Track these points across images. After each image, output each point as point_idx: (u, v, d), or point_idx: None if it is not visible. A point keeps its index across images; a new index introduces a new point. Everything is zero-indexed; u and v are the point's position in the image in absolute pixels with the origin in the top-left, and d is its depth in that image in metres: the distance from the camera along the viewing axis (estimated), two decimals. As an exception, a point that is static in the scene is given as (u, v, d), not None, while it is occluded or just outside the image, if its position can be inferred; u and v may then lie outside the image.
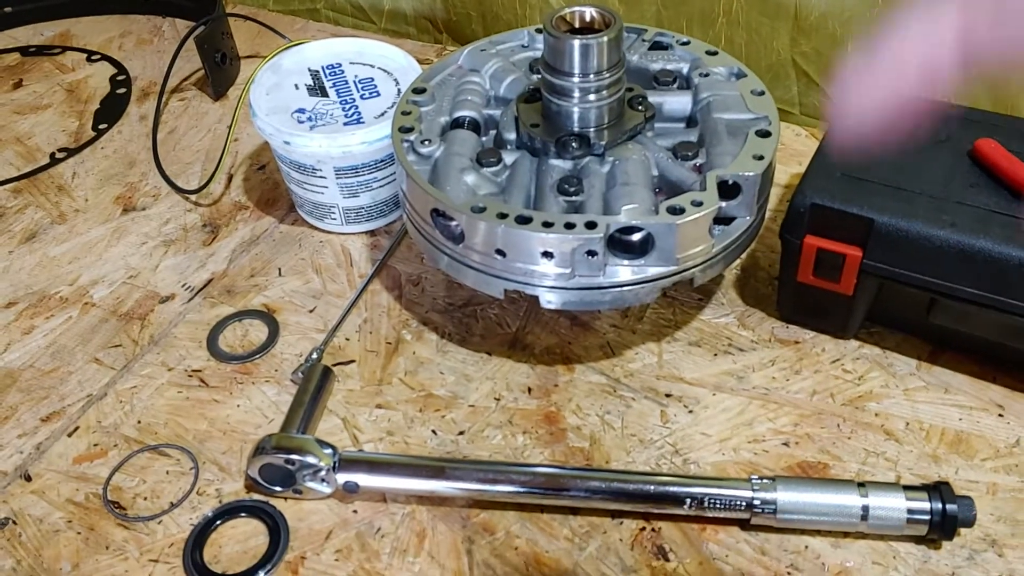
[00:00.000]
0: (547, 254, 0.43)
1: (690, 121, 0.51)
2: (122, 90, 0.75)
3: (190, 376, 0.51)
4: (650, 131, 0.50)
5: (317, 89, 0.59)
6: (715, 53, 0.53)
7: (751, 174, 0.44)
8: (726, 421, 0.47)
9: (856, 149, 0.21)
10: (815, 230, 0.46)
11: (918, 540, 0.41)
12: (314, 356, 0.50)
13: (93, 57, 0.79)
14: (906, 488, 0.40)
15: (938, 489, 0.40)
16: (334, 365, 0.50)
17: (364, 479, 0.43)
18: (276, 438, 0.43)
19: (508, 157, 0.48)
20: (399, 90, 0.58)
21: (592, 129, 0.48)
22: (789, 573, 0.40)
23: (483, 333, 0.52)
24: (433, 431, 0.47)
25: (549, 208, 0.45)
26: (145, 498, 0.44)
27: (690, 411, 0.47)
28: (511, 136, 0.50)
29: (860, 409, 0.47)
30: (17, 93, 0.75)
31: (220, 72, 0.72)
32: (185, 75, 0.76)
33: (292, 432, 0.45)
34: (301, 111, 0.57)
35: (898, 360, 0.49)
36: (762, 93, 0.50)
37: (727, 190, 0.45)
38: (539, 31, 0.55)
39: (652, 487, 0.41)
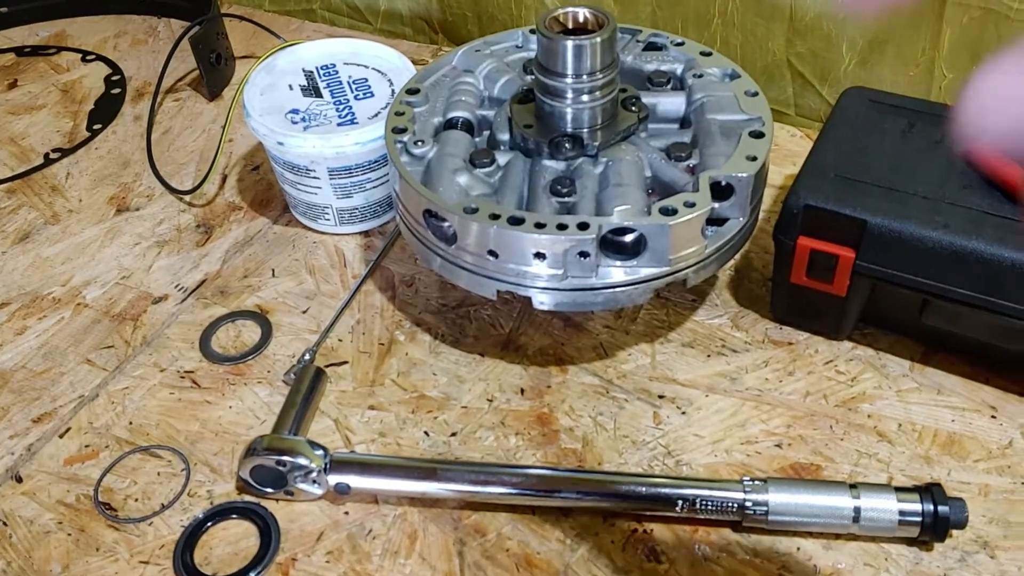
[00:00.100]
0: (539, 255, 0.43)
1: (684, 122, 0.51)
2: (117, 90, 0.75)
3: (182, 377, 0.50)
4: (643, 132, 0.50)
5: (311, 90, 0.58)
6: (709, 54, 0.53)
7: (744, 175, 0.44)
8: (719, 422, 0.46)
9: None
10: (808, 231, 0.46)
11: (910, 542, 0.41)
12: (307, 357, 0.50)
13: (88, 57, 0.79)
14: (898, 490, 0.40)
15: (930, 491, 0.40)
16: (327, 366, 0.50)
17: (355, 480, 0.43)
18: (267, 439, 0.43)
19: (501, 158, 0.48)
20: (393, 91, 0.58)
21: (585, 130, 0.48)
22: (781, 575, 0.40)
23: (476, 334, 0.52)
24: (425, 432, 0.47)
25: (542, 209, 0.45)
26: (136, 499, 0.44)
27: (683, 412, 0.47)
28: (504, 137, 0.50)
29: (853, 410, 0.47)
30: (12, 93, 0.75)
31: (215, 72, 0.72)
32: (180, 75, 0.75)
33: (284, 433, 0.45)
34: (295, 112, 0.57)
35: (891, 361, 0.49)
36: (755, 94, 0.50)
37: (720, 191, 0.45)
38: (533, 32, 0.55)
39: (644, 489, 0.41)
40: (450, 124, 0.50)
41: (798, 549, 0.41)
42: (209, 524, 0.43)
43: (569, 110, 0.47)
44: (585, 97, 0.46)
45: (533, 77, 0.48)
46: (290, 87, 0.59)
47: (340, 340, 0.52)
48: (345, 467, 0.43)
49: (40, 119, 0.72)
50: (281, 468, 0.42)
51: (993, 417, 0.46)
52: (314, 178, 0.56)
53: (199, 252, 0.59)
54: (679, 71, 0.53)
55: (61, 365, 0.52)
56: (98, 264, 0.58)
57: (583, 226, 0.42)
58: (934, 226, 0.43)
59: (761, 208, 0.50)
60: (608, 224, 0.42)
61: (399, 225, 0.50)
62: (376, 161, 0.55)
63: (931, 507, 0.39)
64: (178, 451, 0.46)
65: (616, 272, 0.43)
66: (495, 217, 0.43)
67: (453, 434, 0.47)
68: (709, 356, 0.50)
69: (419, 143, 0.48)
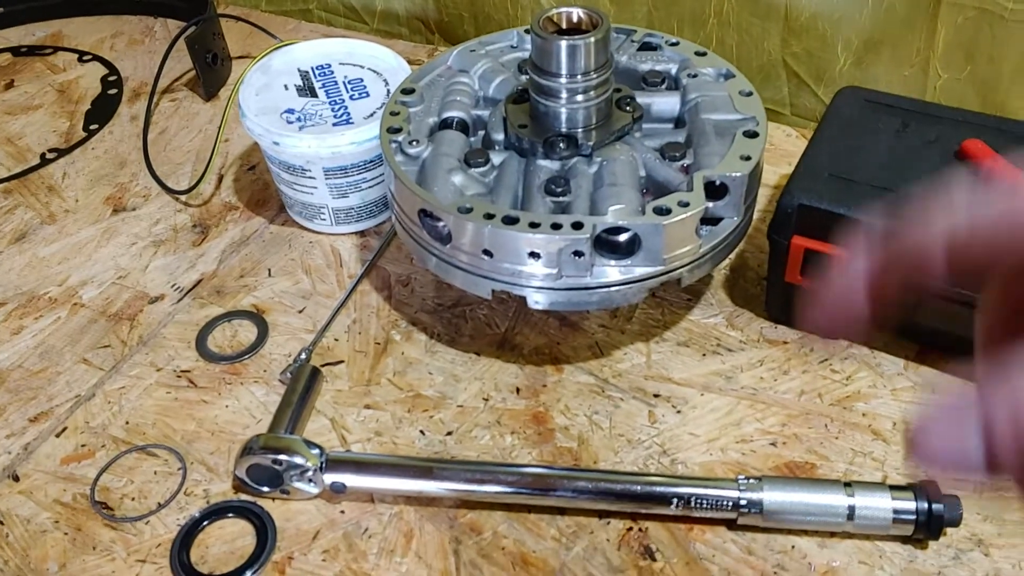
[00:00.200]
0: (534, 254, 0.43)
1: (678, 122, 0.51)
2: (113, 90, 0.75)
3: (179, 376, 0.50)
4: (638, 132, 0.50)
5: (306, 90, 0.59)
6: (704, 54, 0.53)
7: (738, 175, 0.44)
8: (714, 421, 0.47)
9: None
10: (803, 231, 0.46)
11: (904, 540, 0.41)
12: (303, 356, 0.50)
13: (84, 57, 0.79)
14: (892, 488, 0.40)
15: (924, 489, 0.40)
16: (323, 365, 0.50)
17: (351, 479, 0.43)
18: (264, 438, 0.43)
19: (496, 158, 0.48)
20: (388, 91, 0.58)
21: (580, 130, 0.48)
22: (776, 573, 0.40)
23: (472, 333, 0.52)
24: (421, 431, 0.47)
25: (536, 209, 0.45)
26: (132, 498, 0.44)
27: (678, 411, 0.47)
28: (499, 137, 0.50)
29: (848, 409, 0.47)
30: (8, 93, 0.75)
31: (211, 72, 0.72)
32: (176, 75, 0.76)
33: (280, 432, 0.45)
34: (290, 111, 0.57)
35: (886, 360, 0.49)
36: (750, 94, 0.50)
37: (714, 191, 0.45)
38: (528, 32, 0.55)
39: (639, 487, 0.42)
40: (445, 124, 0.51)
41: (793, 547, 0.41)
42: (205, 523, 0.43)
43: (563, 110, 0.47)
44: (579, 97, 0.47)
45: (528, 77, 0.48)
46: (285, 87, 0.59)
47: (336, 339, 0.52)
48: (341, 466, 0.43)
49: (36, 119, 0.72)
50: (277, 467, 0.42)
51: (987, 415, 0.46)
52: (310, 178, 0.56)
53: (195, 252, 0.59)
54: (674, 71, 0.53)
55: (57, 365, 0.52)
56: (94, 264, 0.58)
57: (577, 225, 0.42)
58: (928, 225, 0.44)
59: (756, 207, 0.50)
60: (602, 223, 0.42)
61: (394, 225, 0.50)
62: (372, 161, 0.56)
63: (925, 505, 0.39)
64: (174, 450, 0.46)
65: (611, 271, 0.44)
66: (490, 217, 0.43)
67: (449, 433, 0.47)
68: (704, 355, 0.50)
69: (414, 143, 0.48)
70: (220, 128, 0.62)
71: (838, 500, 0.40)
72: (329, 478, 0.43)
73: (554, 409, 0.48)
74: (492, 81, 0.53)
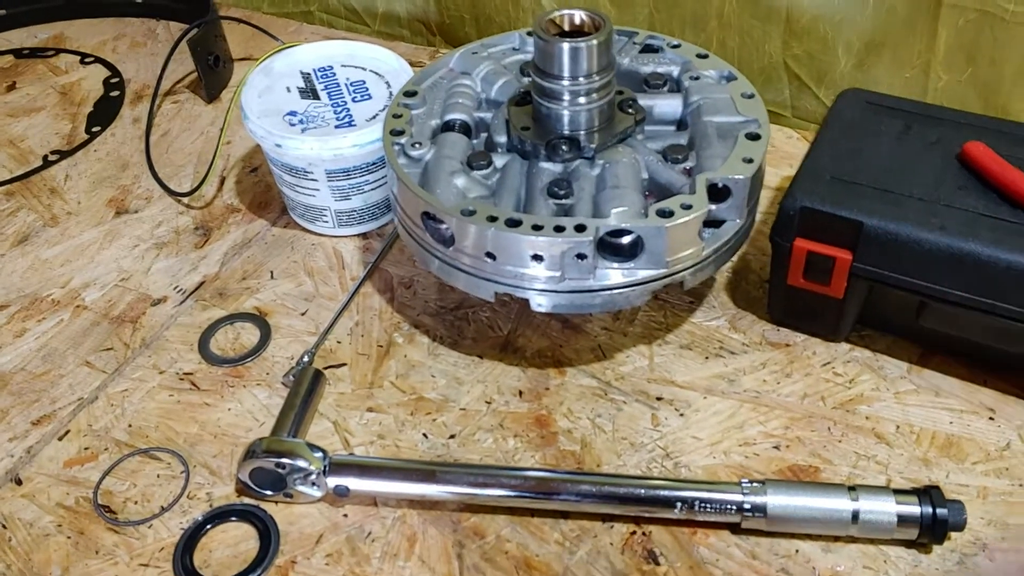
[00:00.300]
0: (537, 257, 0.43)
1: (680, 124, 0.51)
2: (115, 92, 0.75)
3: (181, 379, 0.50)
4: (640, 134, 0.50)
5: (309, 92, 0.59)
6: (706, 56, 0.53)
7: (740, 177, 0.44)
8: (717, 424, 0.47)
9: None
10: (805, 233, 0.46)
11: (908, 544, 0.41)
12: (305, 359, 0.50)
13: (87, 60, 0.79)
14: (896, 492, 0.40)
15: (928, 493, 0.40)
16: (325, 368, 0.50)
17: (355, 483, 0.43)
18: (267, 442, 0.43)
19: (498, 160, 0.48)
20: (391, 93, 0.58)
21: (582, 132, 0.48)
22: (779, 576, 0.40)
23: (474, 336, 0.52)
24: (424, 434, 0.47)
25: (539, 211, 0.45)
26: (135, 502, 0.44)
27: (681, 414, 0.47)
28: (502, 139, 0.50)
29: (851, 412, 0.47)
30: (10, 95, 0.75)
31: (213, 75, 0.72)
32: (178, 78, 0.76)
33: (283, 436, 0.45)
34: (293, 114, 0.57)
35: (888, 363, 0.49)
36: (752, 96, 0.50)
37: (717, 193, 0.45)
38: (530, 34, 0.55)
39: (642, 491, 0.41)
40: (447, 126, 0.51)
41: (797, 551, 0.41)
42: (208, 526, 0.43)
43: (566, 112, 0.47)
44: (582, 99, 0.47)
45: (530, 79, 0.48)
46: (288, 89, 0.59)
47: (339, 342, 0.52)
48: (344, 469, 0.43)
49: (39, 121, 0.72)
50: (280, 471, 0.42)
51: (991, 419, 0.46)
52: (312, 180, 0.56)
53: (198, 254, 0.59)
54: (676, 73, 0.53)
55: (60, 367, 0.52)
56: (97, 266, 0.58)
57: (580, 228, 0.42)
58: (930, 228, 0.44)
59: (759, 210, 0.50)
60: (605, 226, 0.42)
61: (397, 227, 0.50)
62: (374, 163, 0.56)
63: (930, 509, 0.39)
64: (177, 453, 0.46)
65: (614, 274, 0.44)
66: (493, 219, 0.43)
67: (452, 436, 0.47)
68: (707, 358, 0.50)
69: (417, 145, 0.48)
70: (222, 130, 0.62)
71: (842, 504, 0.40)
72: (332, 482, 0.43)
73: (557, 412, 0.48)
74: (494, 83, 0.53)
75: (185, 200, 0.63)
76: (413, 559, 0.41)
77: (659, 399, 0.48)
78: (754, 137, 0.47)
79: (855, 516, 0.40)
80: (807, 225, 0.46)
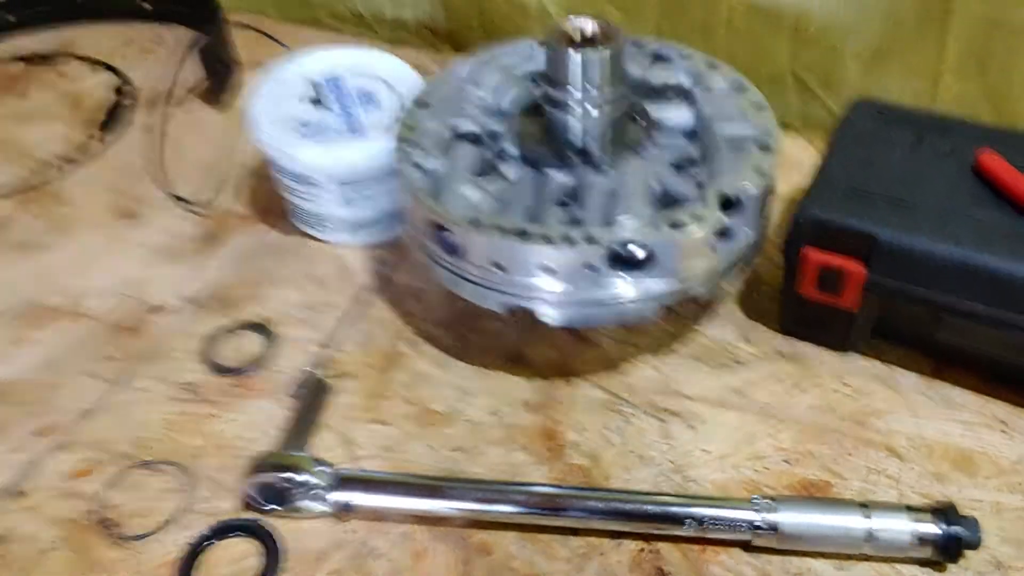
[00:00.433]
0: (546, 268, 0.42)
1: (691, 135, 0.50)
2: (124, 99, 0.75)
3: (185, 389, 0.50)
4: (651, 145, 0.49)
5: (317, 100, 0.58)
6: (716, 66, 0.53)
7: (752, 189, 0.44)
8: (727, 437, 0.46)
9: None
10: (817, 245, 0.46)
11: (923, 563, 0.40)
12: (310, 370, 0.50)
13: (95, 66, 0.79)
14: (910, 509, 0.40)
15: (943, 511, 0.39)
16: (331, 378, 0.50)
17: (360, 498, 0.42)
18: (271, 456, 0.43)
19: (509, 171, 0.48)
20: (400, 102, 0.58)
21: (593, 143, 0.47)
22: (791, 595, 0.39)
23: (482, 347, 0.52)
24: (430, 447, 0.46)
25: (549, 222, 0.44)
26: (138, 515, 0.44)
27: (691, 427, 0.47)
28: (512, 150, 0.49)
29: (862, 425, 0.46)
30: (20, 102, 0.75)
31: (221, 81, 0.72)
32: (187, 84, 0.75)
33: (288, 449, 0.44)
34: (301, 123, 0.56)
35: (901, 375, 0.49)
36: (763, 107, 0.49)
37: (728, 205, 0.44)
38: (542, 44, 0.55)
39: (651, 507, 0.41)
40: (458, 136, 0.50)
41: (809, 570, 0.40)
42: (211, 541, 0.42)
43: (577, 123, 0.47)
44: (593, 111, 0.46)
45: (541, 89, 0.48)
46: (296, 98, 0.58)
47: (345, 352, 0.52)
48: (350, 484, 0.42)
49: (47, 128, 0.72)
50: (285, 485, 0.42)
51: (1004, 432, 0.45)
52: (320, 189, 0.55)
53: (202, 261, 0.58)
54: (686, 83, 0.53)
55: (62, 377, 0.51)
56: (100, 274, 0.58)
57: (591, 240, 0.42)
58: (944, 240, 0.43)
59: (769, 220, 0.49)
60: (616, 238, 0.42)
61: (406, 237, 0.50)
62: (382, 172, 0.55)
63: (944, 528, 0.39)
64: (180, 466, 0.46)
65: (624, 286, 0.43)
66: (502, 230, 0.42)
67: (459, 449, 0.46)
68: (717, 369, 0.50)
69: (427, 156, 0.48)
70: (230, 138, 0.62)
71: (856, 522, 0.39)
72: (338, 497, 0.42)
73: (565, 425, 0.47)
74: (505, 93, 0.53)
75: (191, 207, 0.63)
76: None
77: (669, 412, 0.47)
78: (765, 148, 0.46)
79: (869, 534, 0.39)
80: (820, 237, 0.45)
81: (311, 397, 0.47)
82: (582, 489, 0.43)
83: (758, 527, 0.40)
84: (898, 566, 0.40)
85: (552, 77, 0.46)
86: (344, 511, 0.42)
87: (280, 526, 0.43)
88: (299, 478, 0.42)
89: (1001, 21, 0.57)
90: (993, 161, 0.46)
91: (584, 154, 0.47)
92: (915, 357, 0.49)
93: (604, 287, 0.43)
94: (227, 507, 0.44)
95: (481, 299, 0.45)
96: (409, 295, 0.55)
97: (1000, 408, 0.47)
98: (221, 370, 0.51)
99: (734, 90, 0.51)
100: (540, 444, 0.46)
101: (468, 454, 0.46)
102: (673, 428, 0.47)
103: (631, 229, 0.42)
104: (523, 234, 0.42)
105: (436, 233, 0.45)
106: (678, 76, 0.53)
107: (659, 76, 0.53)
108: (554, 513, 0.42)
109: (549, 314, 0.44)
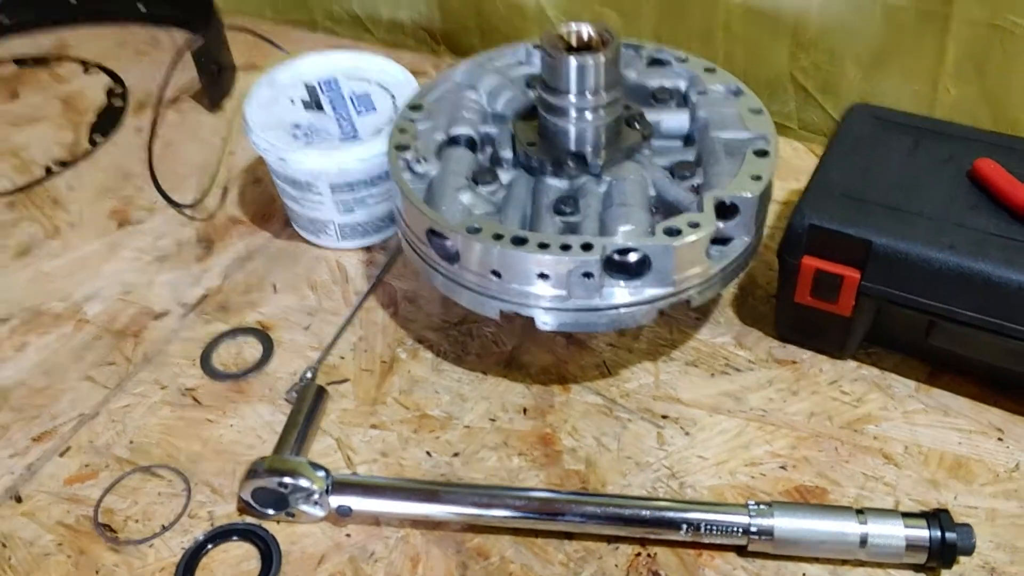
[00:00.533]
0: (543, 275, 0.42)
1: (688, 139, 0.50)
2: (118, 102, 0.75)
3: (183, 395, 0.50)
4: (647, 150, 0.49)
5: (313, 104, 0.58)
6: (713, 70, 0.53)
7: (749, 195, 0.44)
8: (723, 443, 0.46)
9: None
10: (813, 251, 0.46)
11: (917, 568, 0.40)
12: (308, 375, 0.50)
13: (89, 68, 0.79)
14: (905, 515, 0.40)
15: (937, 517, 0.39)
16: (328, 384, 0.50)
17: (357, 502, 0.42)
18: (269, 461, 0.43)
19: (504, 176, 0.48)
20: (395, 105, 0.58)
21: (589, 148, 0.47)
22: (786, 600, 0.40)
23: (479, 352, 0.52)
24: (428, 452, 0.46)
25: (545, 228, 0.44)
26: (136, 520, 0.44)
27: (687, 433, 0.47)
28: (508, 154, 0.49)
29: (858, 432, 0.46)
30: (12, 104, 0.75)
31: (216, 84, 0.72)
32: (181, 86, 0.75)
33: (285, 454, 0.44)
34: (297, 126, 0.56)
35: (897, 381, 0.49)
36: (760, 111, 0.49)
37: (724, 211, 0.44)
38: (537, 47, 0.55)
39: (647, 512, 0.41)
40: (453, 141, 0.50)
41: (804, 575, 0.40)
42: (210, 546, 0.42)
43: (572, 128, 0.47)
44: (589, 115, 0.46)
45: (536, 94, 0.48)
46: (292, 101, 0.58)
47: (342, 357, 0.52)
48: (347, 489, 0.42)
49: (41, 131, 0.72)
50: (283, 490, 0.42)
51: (1000, 440, 0.46)
52: (316, 193, 0.55)
53: (200, 267, 0.58)
54: (683, 88, 0.53)
55: (62, 382, 0.51)
56: (99, 279, 0.58)
57: (587, 247, 0.42)
58: (940, 247, 0.43)
59: (765, 224, 0.49)
60: (612, 245, 0.42)
61: (402, 243, 0.50)
62: (378, 176, 0.55)
63: (938, 533, 0.39)
64: (179, 471, 0.46)
65: (620, 292, 0.43)
66: (498, 237, 0.43)
67: (455, 454, 0.46)
68: (713, 375, 0.50)
69: (422, 160, 0.48)
70: (226, 141, 0.62)
71: (850, 528, 0.40)
72: (335, 501, 0.42)
73: (561, 430, 0.47)
74: (500, 97, 0.53)
75: (188, 212, 0.63)
76: (416, 580, 0.41)
77: (665, 417, 0.48)
78: (762, 154, 0.46)
79: (863, 540, 0.39)
80: (815, 243, 0.45)
81: (308, 402, 0.47)
82: (578, 494, 0.43)
83: (753, 532, 0.40)
84: (892, 572, 0.40)
85: (548, 82, 0.46)
86: (341, 516, 0.43)
87: (278, 531, 0.43)
88: (297, 483, 0.42)
89: (1000, 26, 0.57)
90: (989, 168, 0.46)
91: (580, 159, 0.47)
92: (911, 363, 0.49)
93: (600, 294, 0.43)
94: (225, 512, 0.44)
95: (478, 306, 0.45)
96: (406, 300, 0.55)
97: (996, 415, 0.47)
98: (219, 375, 0.51)
99: (731, 95, 0.51)
100: (537, 449, 0.46)
101: (465, 460, 0.46)
102: (669, 434, 0.47)
103: (627, 236, 0.43)
104: (520, 241, 0.42)
105: (433, 240, 0.45)
106: (675, 80, 0.53)
107: (656, 80, 0.53)
108: (550, 518, 0.42)
109: (546, 320, 0.44)
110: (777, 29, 0.65)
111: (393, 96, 0.59)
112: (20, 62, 0.80)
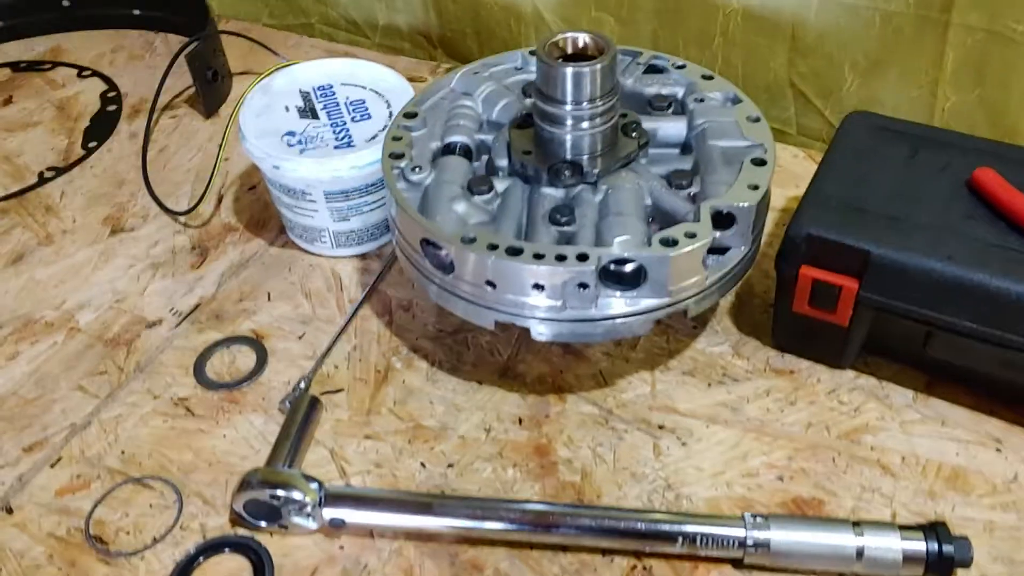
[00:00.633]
0: (538, 286, 0.42)
1: (685, 148, 0.50)
2: (112, 107, 0.74)
3: (176, 404, 0.50)
4: (644, 158, 0.49)
5: (308, 111, 0.58)
6: (711, 77, 0.53)
7: (746, 205, 0.44)
8: (720, 454, 0.46)
9: None
10: (811, 260, 0.45)
11: (914, 581, 0.40)
12: (302, 385, 0.50)
13: (84, 73, 0.78)
14: (902, 528, 0.40)
15: (934, 529, 0.39)
16: (322, 394, 0.49)
17: (350, 515, 0.42)
18: (262, 472, 0.43)
19: (500, 185, 0.48)
20: (391, 112, 0.57)
21: (585, 157, 0.47)
22: (783, 614, 0.39)
23: (474, 361, 0.51)
24: (422, 463, 0.46)
25: (541, 238, 0.44)
26: (127, 532, 0.43)
27: (683, 444, 0.46)
28: (503, 163, 0.49)
29: (856, 442, 0.46)
30: (7, 110, 0.75)
31: (211, 89, 0.72)
32: (176, 92, 0.75)
33: (278, 465, 0.44)
34: (291, 134, 0.56)
35: (894, 391, 0.48)
36: (758, 119, 0.49)
37: (721, 220, 0.44)
38: (533, 53, 0.55)
39: (643, 525, 0.41)
40: (448, 149, 0.50)
41: (800, 588, 0.40)
42: (201, 559, 0.42)
43: (568, 137, 0.46)
44: (585, 124, 0.46)
45: (532, 102, 0.48)
46: (286, 108, 0.58)
47: (336, 367, 0.51)
48: (340, 501, 0.42)
49: (35, 136, 0.71)
50: (275, 502, 0.42)
51: (998, 450, 0.45)
52: (310, 201, 0.55)
53: (194, 275, 0.58)
54: (680, 95, 0.52)
55: (53, 392, 0.51)
56: (92, 287, 0.57)
57: (582, 257, 0.41)
58: (938, 257, 0.43)
59: (764, 231, 0.49)
60: (608, 255, 0.42)
61: (396, 252, 0.49)
62: (373, 184, 0.55)
63: (936, 546, 0.39)
64: (171, 482, 0.45)
65: (616, 303, 0.43)
66: (493, 247, 0.42)
67: (450, 465, 0.46)
68: (710, 385, 0.49)
69: (416, 169, 0.48)
70: (220, 147, 0.62)
71: (847, 540, 0.39)
72: (328, 513, 0.42)
73: (557, 441, 0.47)
74: (496, 104, 0.52)
75: (182, 219, 0.62)
76: (410, 594, 0.41)
77: (661, 428, 0.47)
78: (760, 163, 0.46)
79: (860, 553, 0.39)
80: (813, 253, 0.45)
81: (302, 413, 0.47)
82: (573, 506, 0.43)
83: (750, 545, 0.40)
84: (890, 586, 0.40)
85: (544, 91, 0.46)
86: (334, 528, 0.42)
87: (270, 543, 0.43)
88: (290, 495, 0.41)
89: (999, 32, 0.57)
90: (988, 177, 0.46)
91: (576, 168, 0.47)
92: (909, 373, 0.49)
93: (596, 304, 0.42)
94: (217, 524, 0.44)
95: (473, 316, 0.45)
96: (401, 308, 0.55)
97: (994, 425, 0.46)
98: (213, 385, 0.51)
99: (729, 102, 0.51)
100: (532, 460, 0.46)
101: (459, 471, 0.46)
102: (665, 444, 0.46)
103: (623, 246, 0.42)
104: (515, 252, 0.42)
105: (427, 249, 0.45)
106: (672, 88, 0.53)
107: (653, 88, 0.53)
108: (545, 530, 0.41)
109: (541, 331, 0.44)
110: (775, 35, 0.65)
111: (389, 103, 0.58)
112: (15, 67, 0.80)
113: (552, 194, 0.47)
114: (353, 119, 0.57)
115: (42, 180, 0.67)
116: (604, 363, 0.51)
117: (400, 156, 0.49)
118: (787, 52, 0.65)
